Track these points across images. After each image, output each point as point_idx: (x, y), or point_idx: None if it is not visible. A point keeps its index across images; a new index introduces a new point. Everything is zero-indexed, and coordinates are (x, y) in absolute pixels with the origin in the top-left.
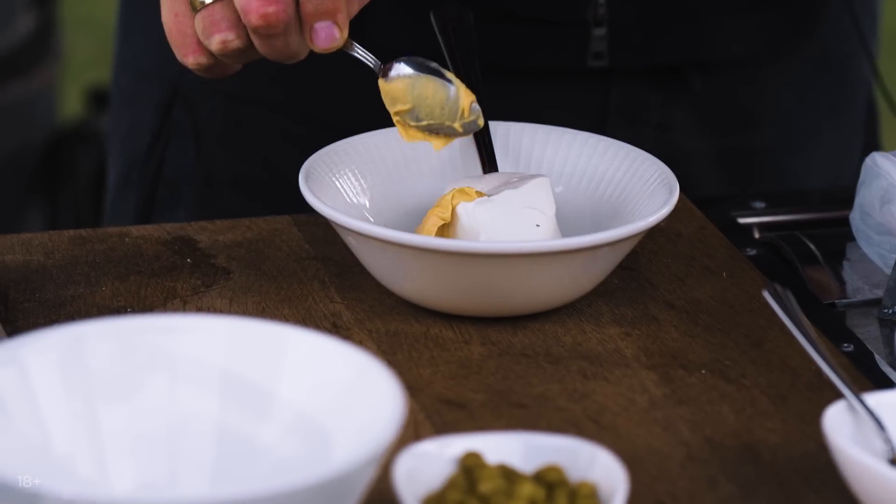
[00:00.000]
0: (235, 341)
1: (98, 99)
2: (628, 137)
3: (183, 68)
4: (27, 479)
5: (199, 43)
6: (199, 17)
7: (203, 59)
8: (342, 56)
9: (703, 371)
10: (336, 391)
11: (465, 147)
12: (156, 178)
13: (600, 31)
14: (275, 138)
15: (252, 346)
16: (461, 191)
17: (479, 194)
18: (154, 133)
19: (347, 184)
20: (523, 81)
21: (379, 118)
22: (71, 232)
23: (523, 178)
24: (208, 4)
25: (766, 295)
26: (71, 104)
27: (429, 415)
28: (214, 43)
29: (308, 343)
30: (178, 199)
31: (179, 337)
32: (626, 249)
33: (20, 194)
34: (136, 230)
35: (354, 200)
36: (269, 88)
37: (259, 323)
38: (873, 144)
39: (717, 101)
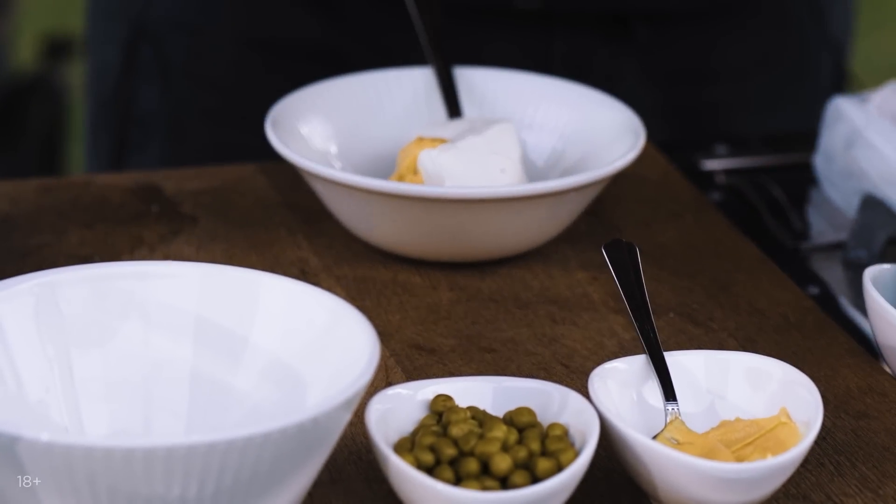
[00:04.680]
0: (209, 287)
1: (55, 48)
2: None
3: (146, 3)
4: (4, 424)
5: None
6: None
7: None
8: None
9: (671, 314)
10: (310, 337)
11: (429, 93)
12: (126, 118)
13: None
14: (239, 70)
15: (225, 292)
16: (421, 140)
17: (441, 141)
18: (122, 72)
19: (314, 130)
20: (464, 29)
21: (336, 41)
22: (36, 181)
23: (487, 124)
24: None
25: (604, 251)
26: (24, 52)
27: (399, 360)
28: None
29: (282, 289)
30: (149, 136)
31: (152, 283)
32: (592, 194)
33: None
34: (101, 178)
35: (321, 147)
36: (230, 19)
37: (232, 269)
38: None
39: (666, 53)
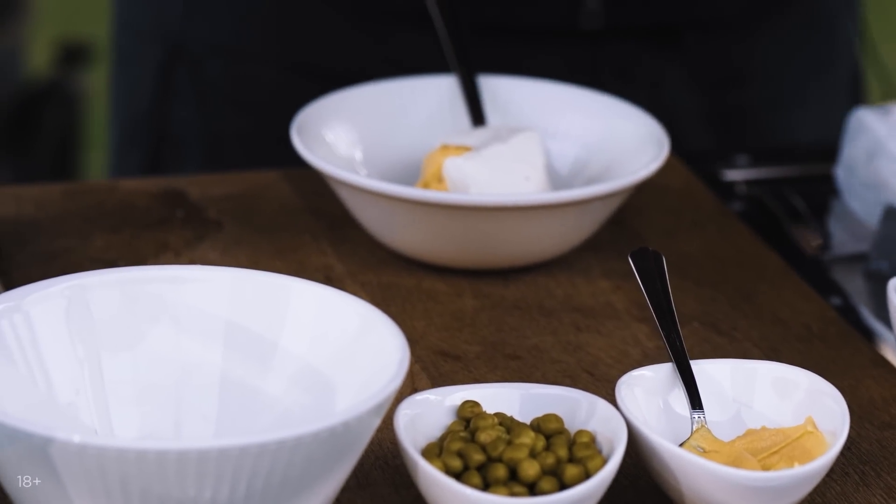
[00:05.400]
0: (239, 292)
1: (70, 54)
2: (620, 94)
3: (184, 26)
4: (37, 425)
5: None
6: None
7: None
8: (339, 6)
9: (695, 324)
10: (340, 342)
11: (453, 100)
12: (160, 137)
13: None
14: (276, 92)
15: (256, 297)
16: (446, 147)
17: (466, 149)
18: (156, 92)
19: (339, 137)
20: (514, 41)
21: (375, 65)
22: (61, 185)
23: (512, 132)
24: None
25: (630, 259)
26: (38, 57)
27: (425, 366)
28: None
29: (312, 294)
30: (183, 157)
31: (183, 287)
32: (616, 203)
33: None
34: (126, 183)
35: (346, 153)
36: (268, 42)
37: (262, 274)
38: (859, 101)
39: (708, 58)
